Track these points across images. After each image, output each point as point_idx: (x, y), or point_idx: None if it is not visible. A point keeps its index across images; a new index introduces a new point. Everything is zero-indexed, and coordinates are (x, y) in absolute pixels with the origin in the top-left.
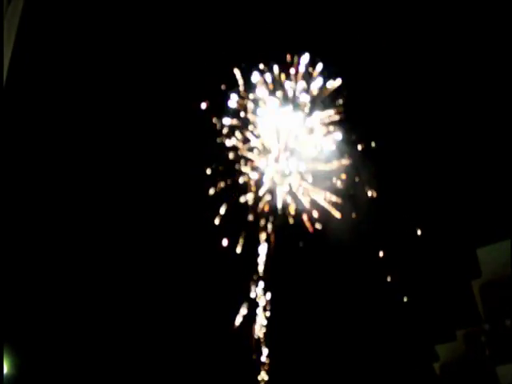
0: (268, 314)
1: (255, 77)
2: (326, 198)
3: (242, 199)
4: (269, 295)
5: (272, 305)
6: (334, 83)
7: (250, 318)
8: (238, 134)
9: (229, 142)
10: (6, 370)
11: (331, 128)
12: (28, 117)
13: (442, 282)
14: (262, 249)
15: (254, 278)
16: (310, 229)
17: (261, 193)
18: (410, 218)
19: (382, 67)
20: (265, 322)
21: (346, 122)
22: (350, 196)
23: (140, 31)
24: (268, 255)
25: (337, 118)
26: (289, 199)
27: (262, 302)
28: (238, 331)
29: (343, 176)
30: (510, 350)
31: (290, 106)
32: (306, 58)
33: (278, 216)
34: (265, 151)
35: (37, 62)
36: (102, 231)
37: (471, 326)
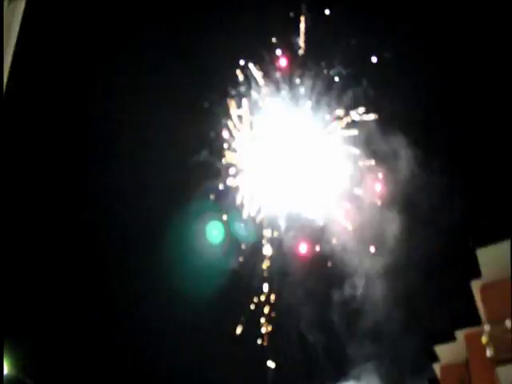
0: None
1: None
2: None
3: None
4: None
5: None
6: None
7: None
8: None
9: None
10: (6, 370)
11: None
12: (28, 117)
13: (442, 282)
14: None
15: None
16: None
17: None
18: (410, 218)
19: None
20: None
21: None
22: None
23: (140, 33)
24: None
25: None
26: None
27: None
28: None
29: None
30: (510, 350)
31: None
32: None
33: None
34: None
35: (38, 62)
36: (103, 232)
37: (471, 326)
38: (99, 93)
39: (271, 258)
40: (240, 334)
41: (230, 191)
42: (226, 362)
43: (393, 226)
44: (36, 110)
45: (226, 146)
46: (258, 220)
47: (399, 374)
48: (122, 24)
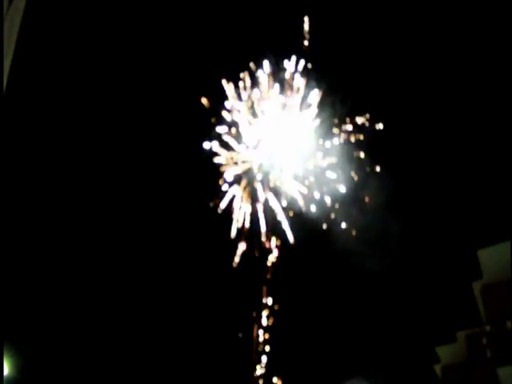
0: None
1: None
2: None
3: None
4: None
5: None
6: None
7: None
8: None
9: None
10: (7, 371)
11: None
12: (29, 118)
13: (443, 283)
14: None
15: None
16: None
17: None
18: (412, 220)
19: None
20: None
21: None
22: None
23: (141, 37)
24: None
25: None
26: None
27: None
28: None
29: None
30: (511, 351)
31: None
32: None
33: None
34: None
35: (38, 64)
36: (108, 235)
37: (472, 327)
38: (99, 93)
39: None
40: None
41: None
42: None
43: (394, 227)
44: (37, 111)
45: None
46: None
47: (400, 374)
48: (123, 26)
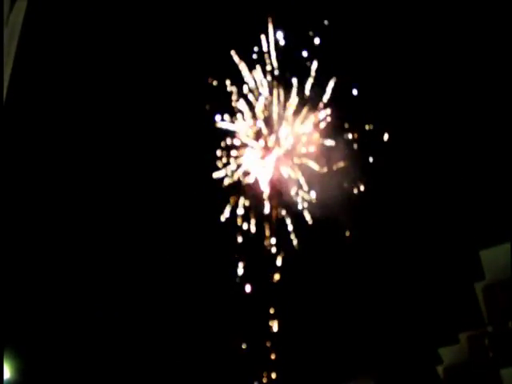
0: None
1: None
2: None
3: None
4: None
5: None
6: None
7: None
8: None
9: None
10: (8, 374)
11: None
12: (31, 119)
13: (445, 284)
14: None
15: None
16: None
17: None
18: (413, 220)
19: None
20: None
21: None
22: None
23: (143, 45)
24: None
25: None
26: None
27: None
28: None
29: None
30: None
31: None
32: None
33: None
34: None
35: (40, 67)
36: (109, 238)
37: (474, 328)
38: (101, 96)
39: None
40: None
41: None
42: None
43: (396, 229)
44: (39, 112)
45: None
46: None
47: (403, 375)
48: (125, 28)
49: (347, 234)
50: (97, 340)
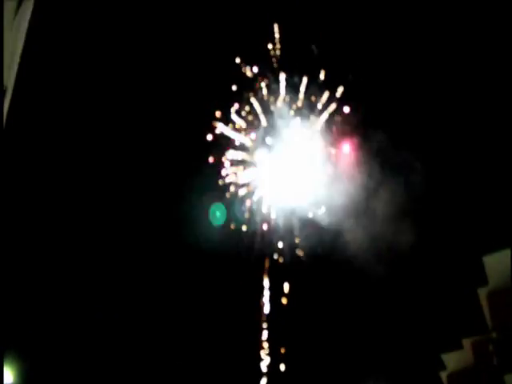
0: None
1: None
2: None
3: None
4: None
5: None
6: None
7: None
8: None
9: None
10: (11, 379)
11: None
12: (33, 121)
13: (449, 290)
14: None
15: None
16: None
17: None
18: (417, 226)
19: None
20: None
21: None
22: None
23: (149, 51)
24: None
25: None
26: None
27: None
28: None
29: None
30: None
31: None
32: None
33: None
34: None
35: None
36: (107, 238)
37: (478, 334)
38: (104, 100)
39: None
40: None
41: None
42: None
43: (400, 233)
44: (41, 113)
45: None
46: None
47: (406, 382)
48: (128, 34)
49: (350, 236)
50: (98, 343)
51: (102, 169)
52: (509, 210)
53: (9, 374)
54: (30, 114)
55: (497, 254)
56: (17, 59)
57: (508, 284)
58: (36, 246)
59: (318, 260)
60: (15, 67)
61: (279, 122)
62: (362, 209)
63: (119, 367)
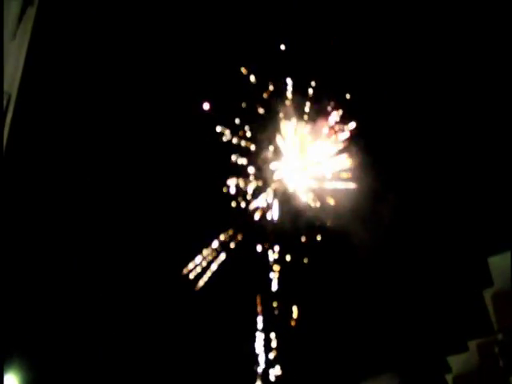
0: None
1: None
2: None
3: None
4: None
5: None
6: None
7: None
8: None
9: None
10: None
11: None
12: (36, 128)
13: (454, 291)
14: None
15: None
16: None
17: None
18: (420, 227)
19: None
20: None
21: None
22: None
23: (155, 62)
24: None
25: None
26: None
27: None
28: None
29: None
30: None
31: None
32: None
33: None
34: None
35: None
36: (107, 239)
37: (484, 336)
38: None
39: None
40: None
41: None
42: None
43: (404, 235)
44: (43, 116)
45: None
46: None
47: None
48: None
49: (356, 239)
50: (104, 350)
51: (102, 169)
52: None
53: (14, 381)
54: (34, 120)
55: (502, 255)
56: (20, 67)
57: None
58: (44, 256)
59: (320, 261)
60: (19, 74)
61: (287, 127)
62: (367, 211)
63: (122, 372)
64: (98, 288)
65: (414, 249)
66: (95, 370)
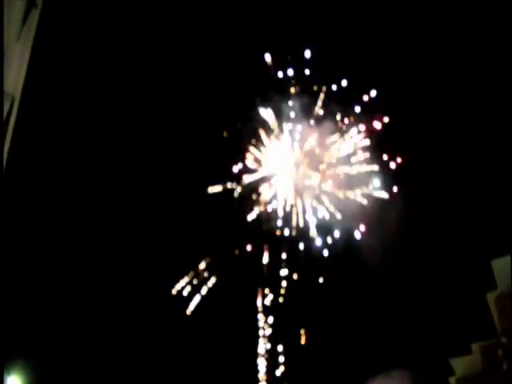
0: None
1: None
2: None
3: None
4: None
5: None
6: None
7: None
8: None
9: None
10: None
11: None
12: (40, 129)
13: (457, 294)
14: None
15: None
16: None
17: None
18: (424, 230)
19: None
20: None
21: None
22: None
23: (158, 65)
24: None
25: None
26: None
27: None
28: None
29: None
30: None
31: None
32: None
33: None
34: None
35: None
36: (114, 246)
37: (487, 339)
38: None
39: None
40: None
41: None
42: None
43: (408, 237)
44: (45, 117)
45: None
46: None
47: None
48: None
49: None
50: (107, 352)
51: (103, 171)
52: None
53: (17, 383)
54: (38, 122)
55: (505, 258)
56: (24, 68)
57: None
58: (47, 259)
59: (326, 263)
60: (22, 76)
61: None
62: (374, 216)
63: (124, 374)
64: (98, 291)
65: (418, 253)
66: (96, 371)
